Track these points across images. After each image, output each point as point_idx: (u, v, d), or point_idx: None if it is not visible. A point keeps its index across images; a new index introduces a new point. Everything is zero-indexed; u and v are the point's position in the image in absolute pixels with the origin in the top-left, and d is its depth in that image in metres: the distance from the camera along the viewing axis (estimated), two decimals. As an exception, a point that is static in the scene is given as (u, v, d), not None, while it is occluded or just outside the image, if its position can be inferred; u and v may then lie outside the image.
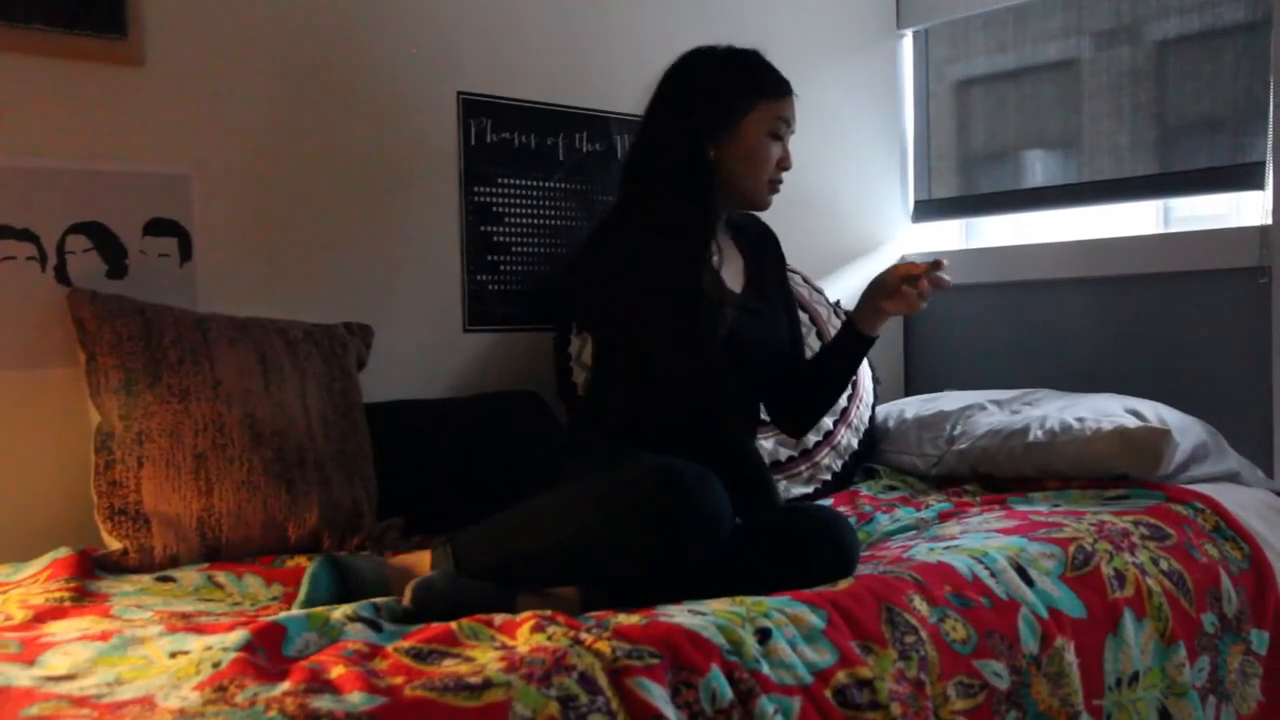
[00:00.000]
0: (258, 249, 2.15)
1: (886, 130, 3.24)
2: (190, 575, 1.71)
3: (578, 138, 2.59)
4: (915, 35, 3.27)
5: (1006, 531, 1.79)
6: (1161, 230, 2.93)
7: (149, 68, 2.01)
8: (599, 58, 2.62)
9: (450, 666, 1.14)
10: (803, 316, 2.52)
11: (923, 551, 1.68)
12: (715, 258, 1.79)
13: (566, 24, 2.57)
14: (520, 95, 2.49)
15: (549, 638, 1.21)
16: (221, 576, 1.71)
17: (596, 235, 1.87)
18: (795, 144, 1.90)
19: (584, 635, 1.21)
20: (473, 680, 1.09)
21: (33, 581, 1.63)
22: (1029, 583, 1.62)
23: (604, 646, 1.19)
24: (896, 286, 1.83)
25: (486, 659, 1.15)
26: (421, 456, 2.17)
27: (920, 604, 1.49)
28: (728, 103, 1.79)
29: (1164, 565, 1.79)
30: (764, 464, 1.92)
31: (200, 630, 1.32)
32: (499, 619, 1.29)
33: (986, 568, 1.60)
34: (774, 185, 1.86)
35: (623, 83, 2.64)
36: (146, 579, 1.69)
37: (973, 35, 3.20)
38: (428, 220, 2.39)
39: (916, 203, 3.29)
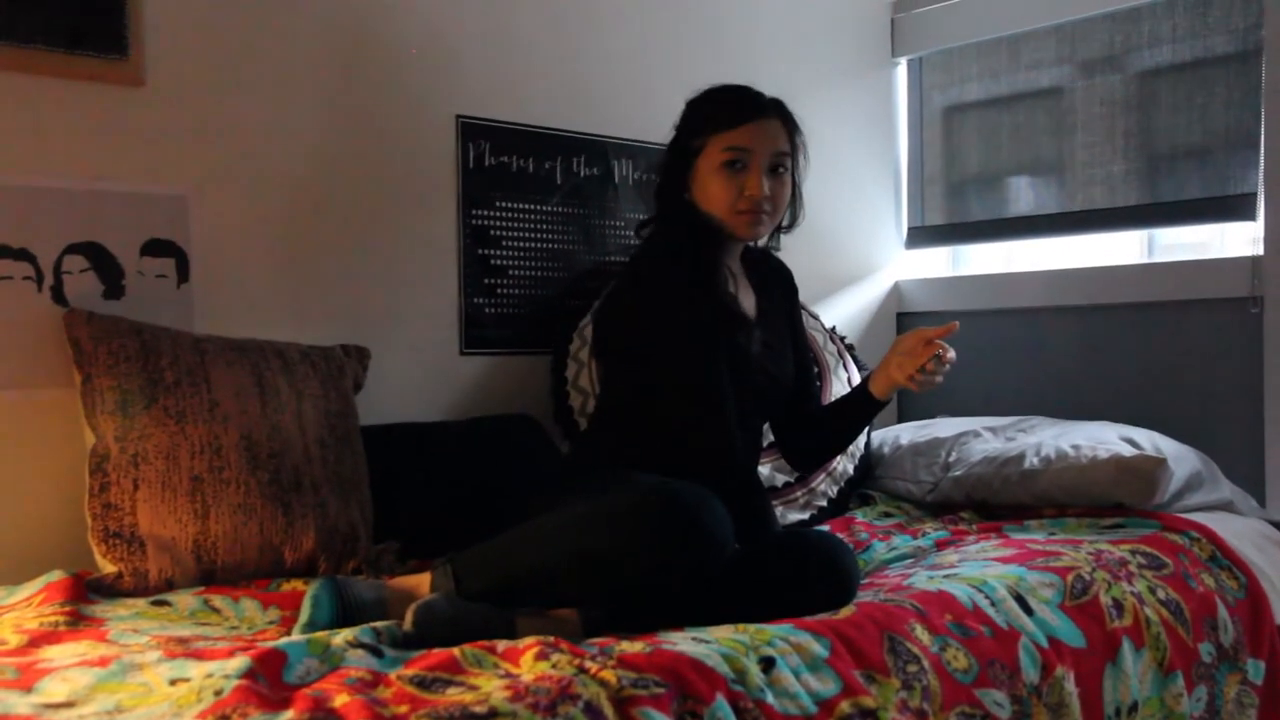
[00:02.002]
0: (255, 270, 2.15)
1: (881, 157, 3.26)
2: (186, 599, 1.69)
3: (575, 161, 2.59)
4: (910, 63, 3.30)
5: (1005, 560, 1.80)
6: (1147, 260, 2.95)
7: (149, 88, 2.00)
8: (598, 82, 2.63)
9: (454, 695, 1.13)
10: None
11: (922, 580, 1.67)
12: (730, 285, 1.87)
13: (566, 48, 2.58)
14: (519, 119, 2.50)
15: (553, 665, 1.20)
16: (218, 600, 1.69)
17: (625, 271, 1.97)
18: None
19: (589, 664, 1.20)
20: (478, 710, 1.08)
21: (26, 605, 1.61)
22: (1028, 611, 1.62)
23: (609, 675, 1.18)
24: (910, 352, 1.86)
25: (491, 687, 1.14)
26: (417, 480, 2.16)
27: (921, 633, 1.49)
28: (686, 144, 1.88)
29: (1161, 594, 1.79)
30: (765, 493, 1.93)
31: (199, 656, 1.31)
32: (502, 646, 1.27)
33: (986, 596, 1.60)
34: (746, 215, 1.85)
35: (621, 108, 2.66)
36: (141, 603, 1.67)
37: (965, 63, 3.22)
38: (426, 242, 2.38)
39: (910, 229, 3.30)
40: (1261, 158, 2.55)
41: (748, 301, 1.96)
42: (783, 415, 2.05)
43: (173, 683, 1.18)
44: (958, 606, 1.56)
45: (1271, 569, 2.02)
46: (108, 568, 1.76)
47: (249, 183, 2.13)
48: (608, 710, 1.14)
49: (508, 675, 1.20)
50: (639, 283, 1.87)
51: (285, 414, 1.95)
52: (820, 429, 2.05)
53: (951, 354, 1.85)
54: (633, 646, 1.29)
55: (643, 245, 1.95)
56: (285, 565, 1.87)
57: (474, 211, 2.44)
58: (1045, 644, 1.57)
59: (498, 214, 2.48)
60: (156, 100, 2.01)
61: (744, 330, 1.84)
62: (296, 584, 1.79)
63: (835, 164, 3.09)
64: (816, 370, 2.43)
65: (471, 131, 2.43)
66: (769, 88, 1.93)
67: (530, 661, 1.22)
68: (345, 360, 2.13)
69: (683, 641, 1.32)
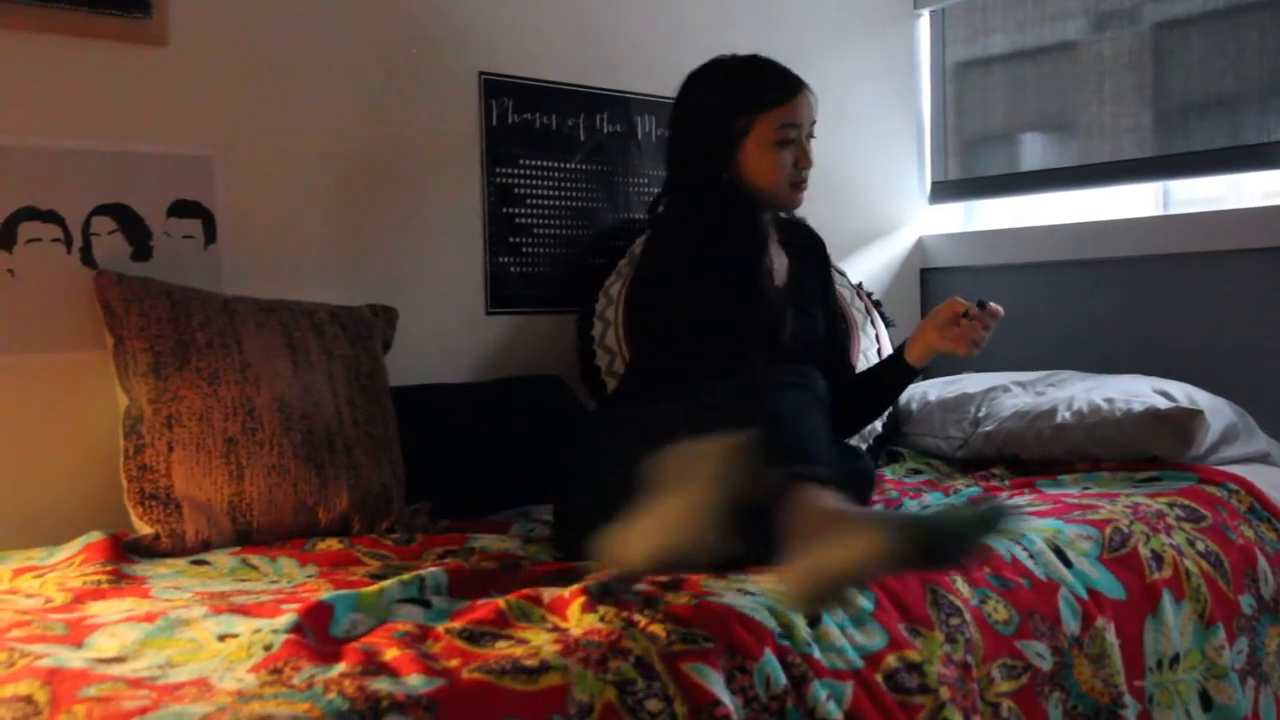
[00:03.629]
0: (281, 231, 2.13)
1: (903, 111, 3.22)
2: (224, 559, 1.69)
3: (599, 119, 2.57)
4: (932, 15, 3.25)
5: (1041, 514, 1.78)
6: (1176, 211, 2.92)
7: (173, 48, 1.98)
8: (620, 38, 2.60)
9: (504, 649, 1.13)
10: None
11: (957, 535, 1.66)
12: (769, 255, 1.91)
13: (588, 4, 2.55)
14: (542, 76, 2.47)
15: (601, 618, 1.20)
16: (255, 559, 1.70)
17: (646, 250, 1.99)
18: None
19: (637, 617, 1.20)
20: (529, 663, 1.08)
21: (68, 565, 1.62)
22: (1067, 564, 1.61)
23: (659, 629, 1.17)
24: (947, 320, 1.86)
25: (540, 641, 1.14)
26: (446, 440, 2.16)
27: (962, 585, 1.48)
28: (726, 127, 1.86)
29: (1200, 546, 1.78)
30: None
31: (244, 611, 1.31)
32: (547, 597, 1.27)
33: (1024, 549, 1.59)
34: (796, 186, 1.90)
35: (644, 64, 2.63)
36: (180, 562, 1.68)
37: (989, 15, 3.17)
38: (450, 202, 2.37)
39: (934, 184, 3.27)
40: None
41: (781, 265, 1.98)
42: None
43: (221, 638, 1.19)
44: (995, 559, 1.55)
45: (1309, 520, 2.00)
46: (144, 529, 1.76)
47: (274, 143, 2.11)
48: (658, 665, 1.13)
49: (555, 629, 1.19)
50: (677, 255, 1.84)
51: (316, 374, 1.94)
52: (855, 395, 2.04)
53: (999, 309, 1.86)
54: (678, 598, 1.28)
55: (670, 222, 1.92)
56: (320, 525, 1.87)
57: (498, 170, 2.42)
58: (1085, 595, 1.57)
59: (521, 172, 2.45)
60: (180, 60, 2.00)
61: (779, 300, 1.88)
62: (332, 542, 1.79)
63: (857, 118, 3.06)
64: (845, 327, 2.41)
65: (494, 89, 2.40)
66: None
67: (577, 614, 1.22)
68: (373, 320, 2.12)
69: (728, 593, 1.32)
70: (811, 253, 2.07)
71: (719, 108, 1.86)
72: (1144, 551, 1.69)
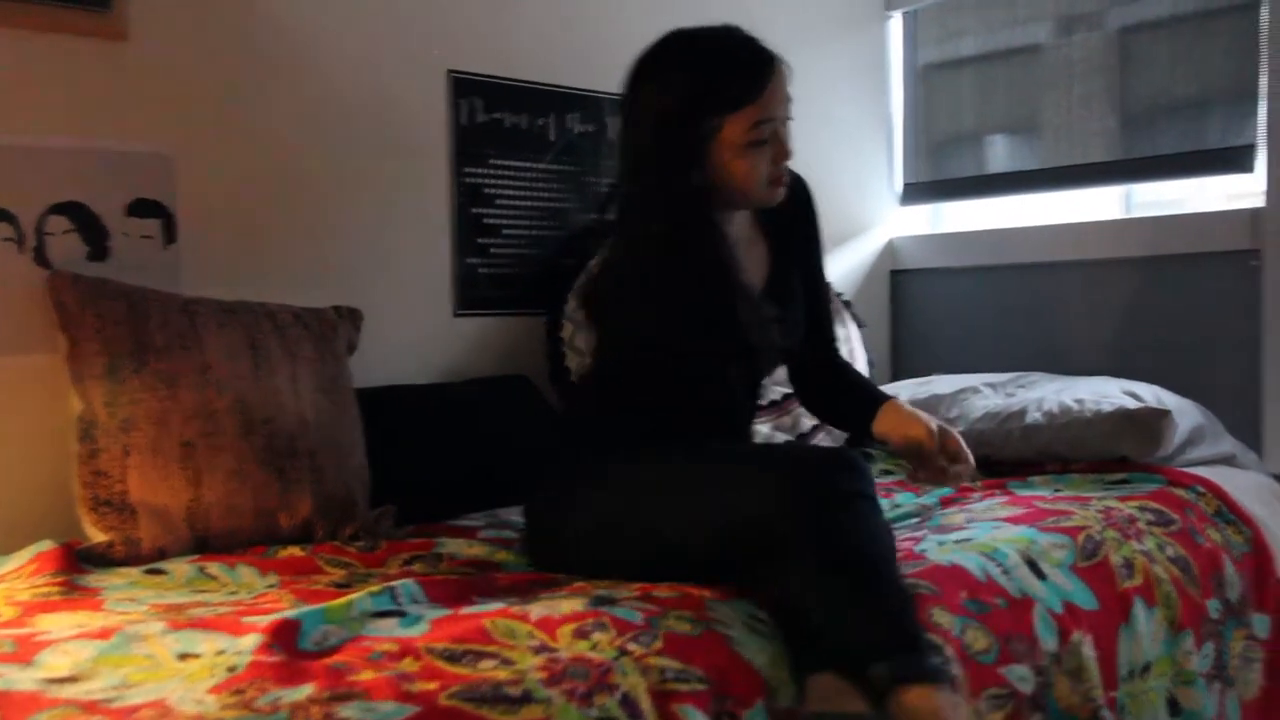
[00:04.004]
0: (244, 231, 2.09)
1: (874, 113, 3.22)
2: (181, 567, 1.65)
3: (569, 118, 2.54)
4: (905, 16, 3.24)
5: (1014, 520, 1.77)
6: (1139, 214, 2.93)
7: (133, 42, 1.93)
8: (591, 37, 2.57)
9: (488, 670, 1.09)
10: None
11: (933, 548, 1.64)
12: (741, 253, 1.71)
13: (559, 2, 2.52)
14: (512, 74, 2.44)
15: (593, 646, 1.16)
16: (214, 568, 1.65)
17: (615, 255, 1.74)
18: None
19: (631, 645, 1.17)
20: (511, 691, 1.04)
21: (16, 576, 1.57)
22: (1041, 576, 1.59)
23: (653, 663, 1.14)
24: (921, 454, 1.67)
25: (527, 665, 1.10)
26: (412, 443, 2.12)
27: (941, 616, 1.45)
28: (693, 129, 1.58)
29: (1170, 552, 1.78)
30: None
31: (204, 626, 1.27)
32: (535, 614, 1.24)
33: (998, 564, 1.57)
34: (775, 182, 1.67)
35: (615, 62, 2.53)
36: (135, 572, 1.63)
37: (960, 17, 3.17)
38: (418, 202, 2.33)
39: (905, 185, 3.27)
40: (1261, 110, 2.52)
41: (758, 257, 1.79)
42: (796, 360, 1.91)
43: (181, 657, 1.14)
44: (971, 580, 1.53)
45: (1275, 523, 2.01)
46: (98, 536, 1.72)
47: (237, 141, 2.07)
48: (644, 704, 1.10)
49: (544, 649, 1.16)
50: (638, 270, 1.65)
51: (279, 377, 1.90)
52: (832, 396, 1.90)
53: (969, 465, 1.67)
54: (680, 623, 1.24)
55: (632, 235, 1.67)
56: (281, 532, 1.83)
57: (466, 170, 2.38)
58: (1060, 609, 1.55)
59: (491, 172, 2.42)
60: (141, 55, 1.94)
61: (753, 311, 1.66)
62: (293, 550, 1.75)
63: (828, 119, 3.04)
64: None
65: (464, 87, 2.37)
66: (763, 40, 1.81)
67: (569, 637, 1.18)
68: (338, 322, 2.08)
69: (735, 624, 1.27)
70: (794, 219, 1.83)
71: (678, 110, 1.57)
72: (1115, 559, 1.68)
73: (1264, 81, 2.50)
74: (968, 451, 1.66)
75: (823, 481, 1.35)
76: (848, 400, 1.86)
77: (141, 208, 1.97)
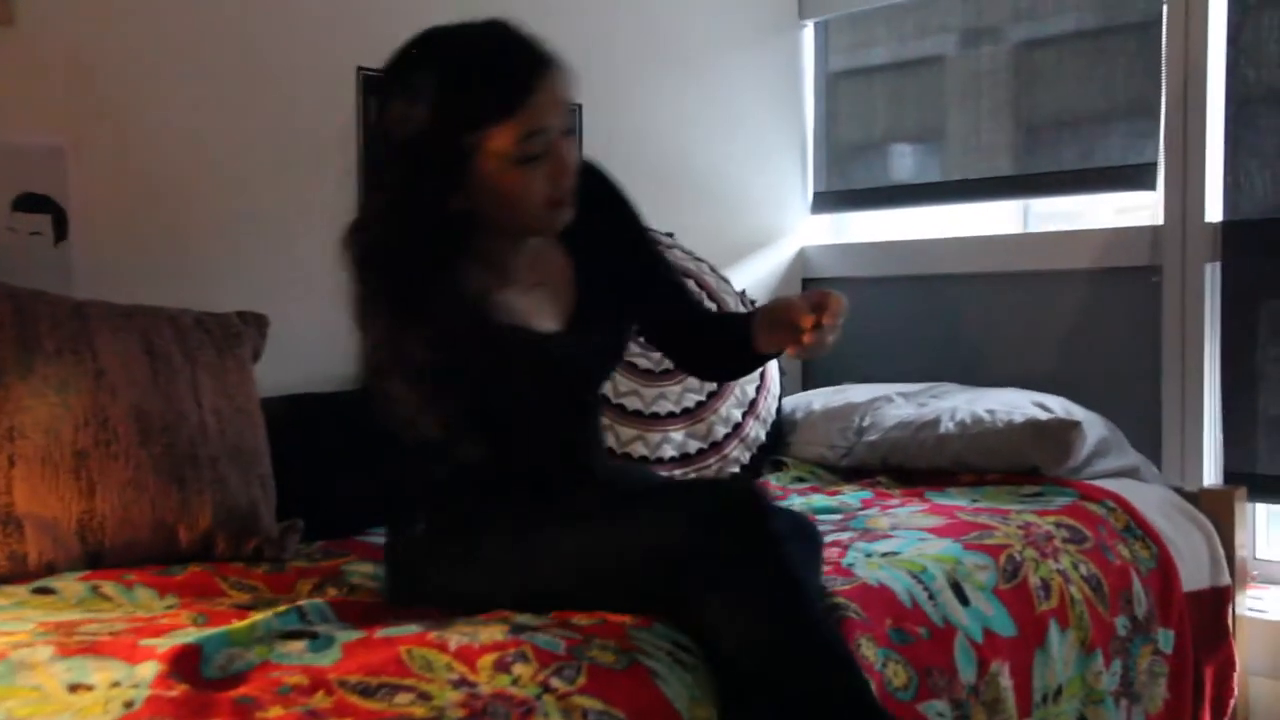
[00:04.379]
0: (141, 229, 1.99)
1: (787, 121, 3.23)
2: (72, 586, 1.55)
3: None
4: (817, 26, 3.26)
5: (938, 532, 1.78)
6: (1035, 226, 3.00)
7: (20, 27, 1.83)
8: (505, 35, 2.52)
9: (404, 705, 1.04)
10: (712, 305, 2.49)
11: (861, 562, 1.63)
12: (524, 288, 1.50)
13: (466, 2, 2.45)
14: (425, 72, 2.37)
15: (515, 680, 1.12)
16: (108, 587, 1.56)
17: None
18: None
19: (554, 681, 1.12)
20: (427, 730, 0.99)
21: (-112, 597, 1.46)
22: (964, 602, 1.60)
23: (575, 703, 1.10)
24: (783, 325, 1.50)
25: (445, 700, 1.05)
26: (321, 453, 2.05)
27: (868, 648, 1.43)
28: (450, 146, 1.33)
29: (1083, 570, 1.81)
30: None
31: (96, 650, 1.18)
32: (454, 643, 1.18)
33: (925, 587, 1.58)
34: (556, 205, 1.41)
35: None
36: (22, 591, 1.53)
37: (871, 27, 3.20)
38: (325, 202, 2.21)
39: (816, 194, 3.28)
40: (1161, 128, 2.59)
41: (552, 287, 1.54)
42: (660, 338, 1.76)
43: (72, 688, 1.07)
44: (898, 606, 1.52)
45: (1178, 536, 2.06)
46: (-20, 552, 1.61)
47: (134, 133, 1.97)
48: None
49: (464, 683, 1.11)
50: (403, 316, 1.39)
51: (179, 384, 1.81)
52: (708, 350, 1.72)
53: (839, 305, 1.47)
54: (605, 653, 1.20)
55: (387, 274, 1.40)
56: (180, 545, 1.75)
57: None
58: (980, 639, 1.56)
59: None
60: (29, 40, 1.84)
61: (545, 355, 1.48)
62: (194, 568, 1.67)
63: (740, 127, 3.04)
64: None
65: (375, 84, 2.28)
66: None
67: (489, 670, 1.13)
68: (242, 328, 1.99)
69: (659, 658, 1.23)
70: (597, 220, 1.54)
71: (431, 125, 1.32)
72: (1034, 580, 1.70)
73: (1164, 100, 2.57)
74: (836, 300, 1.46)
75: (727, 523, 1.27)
76: (721, 343, 1.68)
77: (30, 202, 1.87)
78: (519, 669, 1.14)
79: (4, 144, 1.83)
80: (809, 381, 3.15)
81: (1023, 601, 1.67)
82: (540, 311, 1.51)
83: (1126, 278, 2.65)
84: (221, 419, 1.85)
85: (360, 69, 2.28)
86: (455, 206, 1.37)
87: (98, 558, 1.67)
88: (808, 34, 3.26)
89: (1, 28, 1.81)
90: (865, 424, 2.46)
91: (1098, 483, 2.14)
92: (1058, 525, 1.88)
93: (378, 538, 1.91)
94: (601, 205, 1.57)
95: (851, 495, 2.10)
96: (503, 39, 1.38)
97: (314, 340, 2.21)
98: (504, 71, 1.34)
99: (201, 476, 1.77)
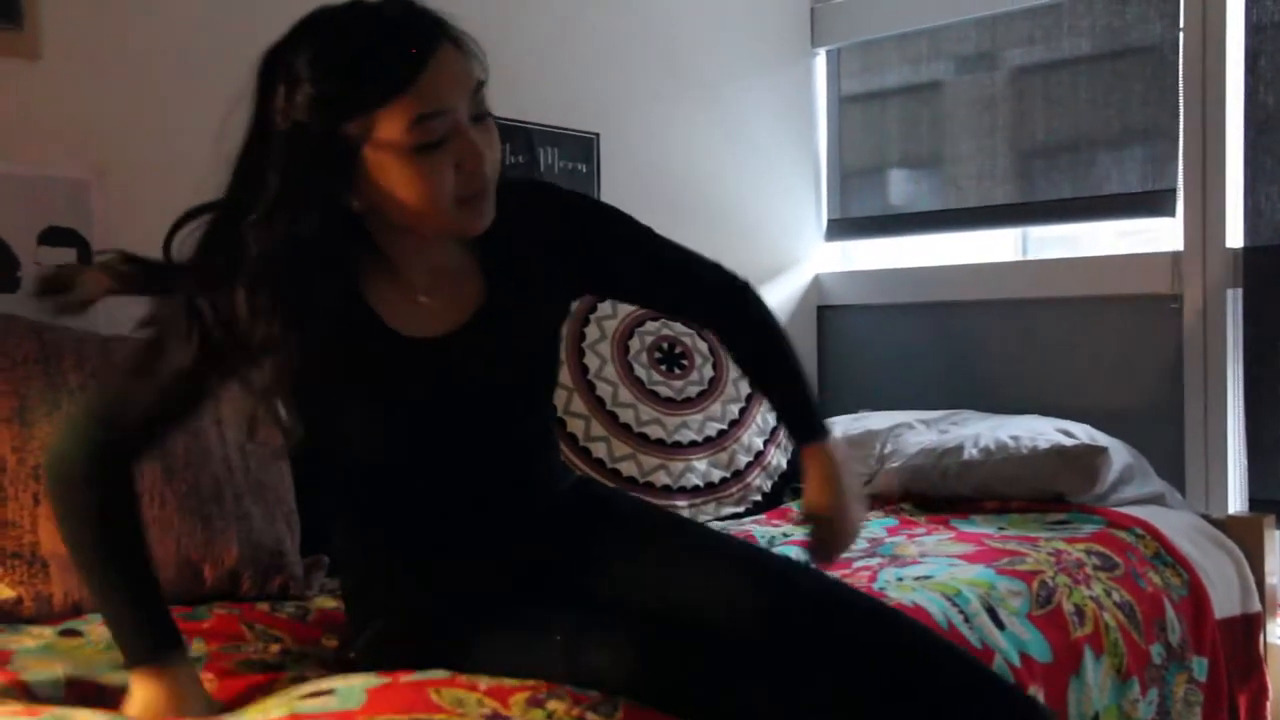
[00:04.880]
0: (164, 262, 1.98)
1: (801, 149, 3.23)
2: (98, 629, 1.52)
3: (501, 150, 2.47)
4: (829, 54, 3.27)
5: (968, 558, 1.77)
6: (1034, 251, 3.01)
7: (47, 61, 1.83)
8: (521, 68, 2.52)
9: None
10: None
11: (892, 582, 1.62)
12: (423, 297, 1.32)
13: (486, 32, 2.45)
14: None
15: (549, 716, 1.10)
16: (133, 629, 1.53)
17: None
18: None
19: (590, 716, 1.10)
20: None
21: (-86, 640, 1.44)
22: (1000, 626, 1.59)
23: None
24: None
25: None
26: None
27: None
28: (336, 137, 1.17)
29: (1116, 597, 1.79)
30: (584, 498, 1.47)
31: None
32: (484, 684, 1.16)
33: (960, 610, 1.56)
34: (468, 202, 1.21)
35: (545, 94, 2.55)
36: (49, 632, 1.51)
37: (884, 54, 3.20)
38: (346, 233, 2.24)
39: (829, 221, 3.28)
40: (1180, 154, 2.59)
41: (463, 293, 1.34)
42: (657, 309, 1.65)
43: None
44: (935, 627, 1.50)
45: (1207, 563, 2.05)
46: (5, 592, 1.59)
47: (158, 165, 1.96)
48: None
49: (497, 717, 1.09)
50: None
51: (203, 419, 1.80)
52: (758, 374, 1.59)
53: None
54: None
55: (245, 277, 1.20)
56: (205, 583, 1.72)
57: (397, 200, 2.30)
58: (1018, 662, 1.55)
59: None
60: (55, 75, 1.84)
61: (442, 366, 1.31)
62: (219, 610, 1.65)
63: (755, 156, 3.05)
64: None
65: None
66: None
67: (522, 706, 1.11)
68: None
69: None
70: (532, 227, 1.36)
71: (311, 112, 1.16)
72: (1067, 606, 1.69)
73: (1182, 126, 2.57)
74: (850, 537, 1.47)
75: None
76: (775, 401, 1.57)
77: (55, 236, 1.86)
78: (553, 704, 1.12)
79: (30, 177, 1.82)
80: (825, 409, 3.14)
81: (1057, 627, 1.65)
82: (429, 315, 1.31)
83: (1146, 305, 2.64)
84: (246, 454, 1.83)
85: (380, 100, 2.28)
86: (349, 207, 1.21)
87: (124, 596, 1.64)
88: (819, 62, 3.27)
89: (28, 62, 1.81)
90: (886, 451, 2.45)
91: (1124, 509, 2.13)
92: (1088, 552, 1.87)
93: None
94: (553, 219, 1.39)
95: (875, 523, 2.09)
96: (391, 12, 1.19)
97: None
98: (389, 46, 1.16)
99: (226, 514, 1.75)
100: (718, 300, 1.53)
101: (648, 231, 1.48)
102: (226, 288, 1.20)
